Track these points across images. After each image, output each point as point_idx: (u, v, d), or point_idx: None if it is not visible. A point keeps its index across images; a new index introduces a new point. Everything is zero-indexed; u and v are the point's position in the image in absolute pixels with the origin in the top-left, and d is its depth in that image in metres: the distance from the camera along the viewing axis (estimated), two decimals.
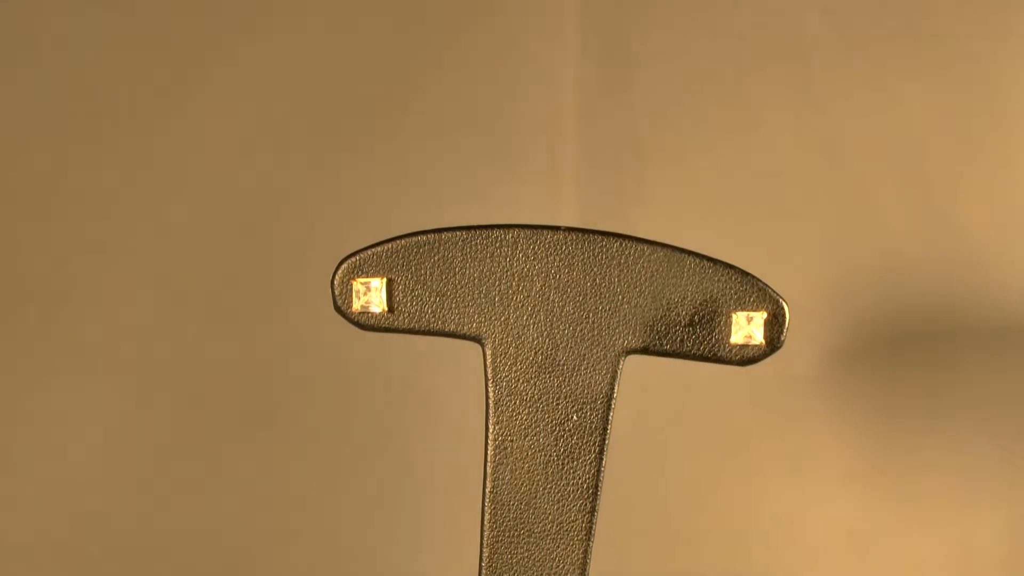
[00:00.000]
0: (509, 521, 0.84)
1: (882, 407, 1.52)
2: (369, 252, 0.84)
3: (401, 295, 0.83)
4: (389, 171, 1.51)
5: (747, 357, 0.86)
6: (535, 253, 0.84)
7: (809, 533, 1.53)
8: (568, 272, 0.84)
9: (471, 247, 0.84)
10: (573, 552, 0.85)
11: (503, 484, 0.84)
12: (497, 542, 0.84)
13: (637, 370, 1.55)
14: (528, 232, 0.84)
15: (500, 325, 0.84)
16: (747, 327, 0.85)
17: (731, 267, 0.85)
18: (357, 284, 0.83)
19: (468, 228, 0.85)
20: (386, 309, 0.83)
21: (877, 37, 1.50)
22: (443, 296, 0.84)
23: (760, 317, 0.85)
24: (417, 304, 0.83)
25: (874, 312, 1.52)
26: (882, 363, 1.51)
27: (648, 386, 1.55)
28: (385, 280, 0.83)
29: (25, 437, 1.47)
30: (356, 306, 0.82)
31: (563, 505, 0.84)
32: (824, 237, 1.52)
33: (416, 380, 1.50)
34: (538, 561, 0.84)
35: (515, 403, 0.84)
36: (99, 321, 1.48)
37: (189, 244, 1.49)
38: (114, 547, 1.49)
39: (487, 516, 0.84)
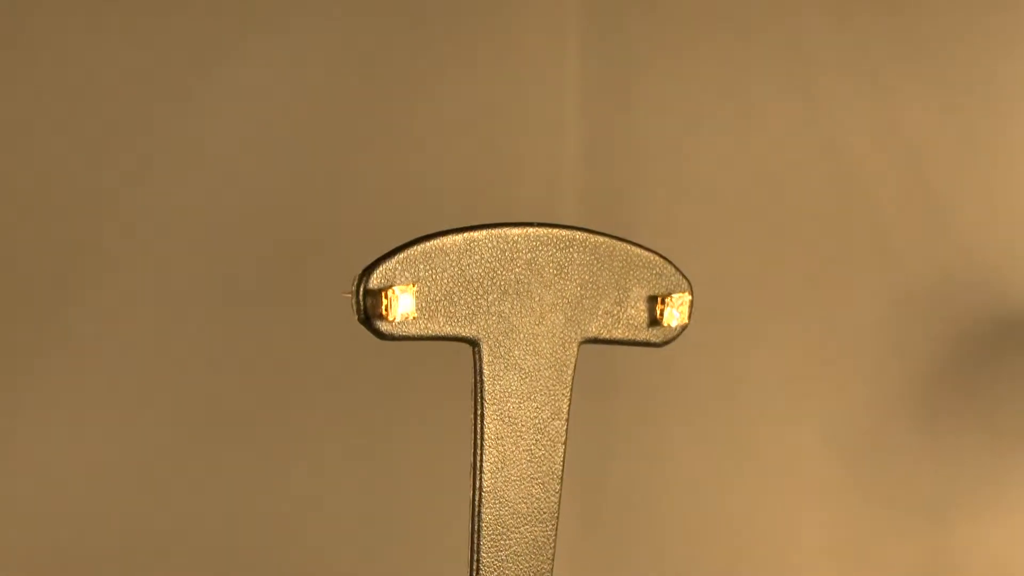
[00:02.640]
0: (500, 517, 0.85)
1: (879, 407, 1.52)
2: (394, 259, 0.83)
3: (419, 301, 0.84)
4: (388, 171, 1.51)
5: (668, 339, 0.91)
6: (517, 250, 0.85)
7: (807, 536, 1.54)
8: (540, 267, 0.86)
9: (470, 248, 0.85)
10: (548, 539, 0.87)
11: (495, 481, 0.85)
12: (489, 539, 0.85)
13: (635, 369, 1.55)
14: (511, 230, 0.85)
15: (492, 325, 0.85)
16: (672, 310, 0.90)
17: (655, 253, 0.89)
18: (391, 293, 0.83)
19: (469, 229, 0.85)
20: (416, 317, 0.83)
21: (877, 37, 1.50)
22: (450, 300, 0.84)
23: (680, 299, 0.90)
24: (430, 309, 0.84)
25: (872, 311, 1.52)
26: (880, 362, 1.51)
27: (647, 384, 1.55)
28: (414, 287, 0.83)
29: (25, 437, 1.47)
30: (391, 315, 0.82)
31: (541, 496, 0.87)
32: (824, 237, 1.52)
33: (406, 379, 1.50)
34: (520, 554, 0.86)
35: (503, 401, 0.85)
36: (100, 322, 1.48)
37: (188, 245, 1.49)
38: (114, 547, 1.49)
39: (481, 514, 0.85)
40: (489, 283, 0.85)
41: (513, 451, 0.86)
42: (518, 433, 0.86)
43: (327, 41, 1.50)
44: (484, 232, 0.85)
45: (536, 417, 0.86)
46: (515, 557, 0.86)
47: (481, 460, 0.85)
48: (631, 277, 0.89)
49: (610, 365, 1.55)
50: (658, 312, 0.89)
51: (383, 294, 0.82)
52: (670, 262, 0.90)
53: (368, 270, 0.82)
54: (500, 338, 0.85)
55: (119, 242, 1.49)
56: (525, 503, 0.86)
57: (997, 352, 1.51)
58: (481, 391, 0.85)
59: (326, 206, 1.51)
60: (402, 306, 0.82)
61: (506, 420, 0.85)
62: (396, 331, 0.83)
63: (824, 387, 1.52)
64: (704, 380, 1.54)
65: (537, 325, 0.86)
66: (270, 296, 1.51)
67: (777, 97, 1.51)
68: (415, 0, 1.51)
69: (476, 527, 0.85)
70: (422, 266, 0.83)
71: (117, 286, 1.48)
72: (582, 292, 0.87)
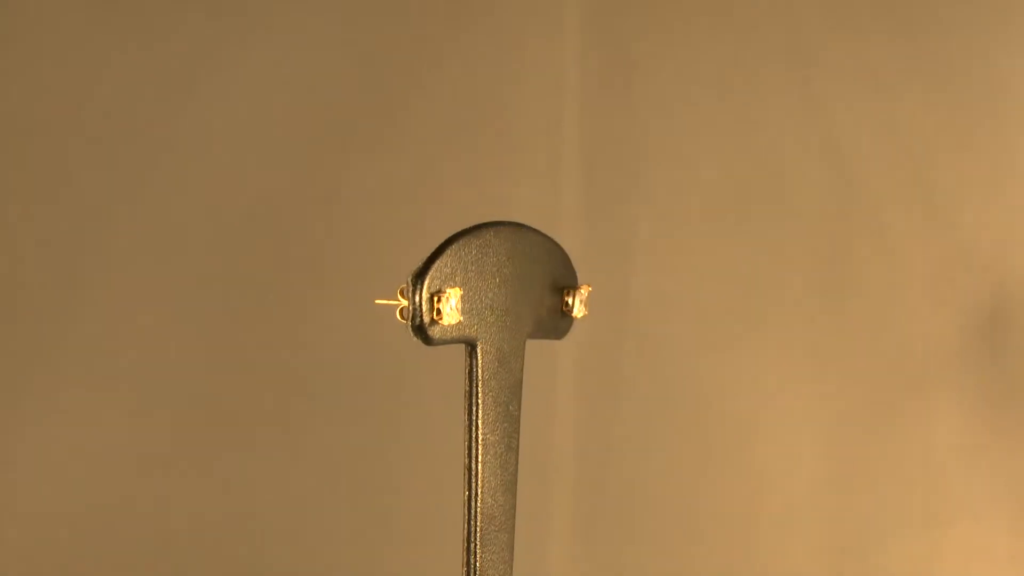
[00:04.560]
0: (487, 515, 0.86)
1: (880, 404, 1.52)
2: (440, 262, 0.83)
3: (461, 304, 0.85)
4: (388, 171, 1.51)
5: (568, 331, 0.91)
6: (500, 249, 0.86)
7: (806, 534, 1.53)
8: (508, 265, 0.86)
9: (472, 247, 0.85)
10: (512, 543, 0.87)
11: (485, 480, 0.85)
12: (481, 537, 0.86)
13: (635, 368, 1.55)
14: (497, 229, 0.86)
15: (485, 324, 0.85)
16: (580, 302, 0.90)
17: (557, 244, 0.90)
18: (444, 296, 0.83)
19: (474, 228, 0.85)
20: (460, 320, 0.84)
21: (877, 37, 1.50)
22: (464, 300, 0.85)
23: (585, 291, 0.90)
24: (461, 311, 0.84)
25: (872, 311, 1.52)
26: (879, 362, 1.51)
27: (647, 384, 1.55)
28: (460, 290, 0.83)
29: (25, 437, 1.47)
30: (445, 319, 0.83)
31: (507, 494, 0.87)
32: (824, 237, 1.52)
33: (404, 380, 1.50)
34: (499, 551, 0.87)
35: (488, 400, 0.86)
36: (101, 322, 1.48)
37: (189, 245, 1.49)
38: (115, 547, 1.50)
39: (477, 515, 0.85)
40: (484, 282, 0.85)
41: (493, 454, 0.86)
42: (497, 435, 0.86)
43: (326, 41, 1.50)
44: (479, 231, 0.86)
45: (506, 417, 0.87)
46: (495, 562, 0.87)
47: (478, 463, 0.85)
48: (549, 270, 0.89)
49: (608, 364, 1.55)
50: (565, 305, 0.89)
51: (434, 298, 0.82)
52: (565, 254, 0.90)
53: (421, 274, 0.82)
54: (489, 338, 0.85)
55: (120, 242, 1.49)
56: (501, 507, 0.87)
57: (997, 351, 1.50)
58: (476, 393, 0.85)
59: (325, 206, 1.51)
60: (452, 309, 0.82)
61: (492, 422, 0.86)
62: (442, 335, 0.83)
63: (823, 386, 1.52)
64: (703, 379, 1.54)
65: (506, 323, 0.86)
66: (270, 296, 1.51)
67: (777, 97, 1.51)
68: (414, 0, 1.52)
69: (472, 528, 0.86)
70: (454, 267, 0.83)
71: (117, 286, 1.49)
72: (527, 287, 0.88)
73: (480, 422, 0.85)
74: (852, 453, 1.52)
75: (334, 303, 1.50)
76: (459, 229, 0.85)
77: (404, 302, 0.82)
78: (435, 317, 0.82)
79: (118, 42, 1.48)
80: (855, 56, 1.50)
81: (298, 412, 1.51)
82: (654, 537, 1.55)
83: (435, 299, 0.82)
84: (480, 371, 0.85)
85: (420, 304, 0.81)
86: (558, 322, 0.90)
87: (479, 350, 0.85)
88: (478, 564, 0.85)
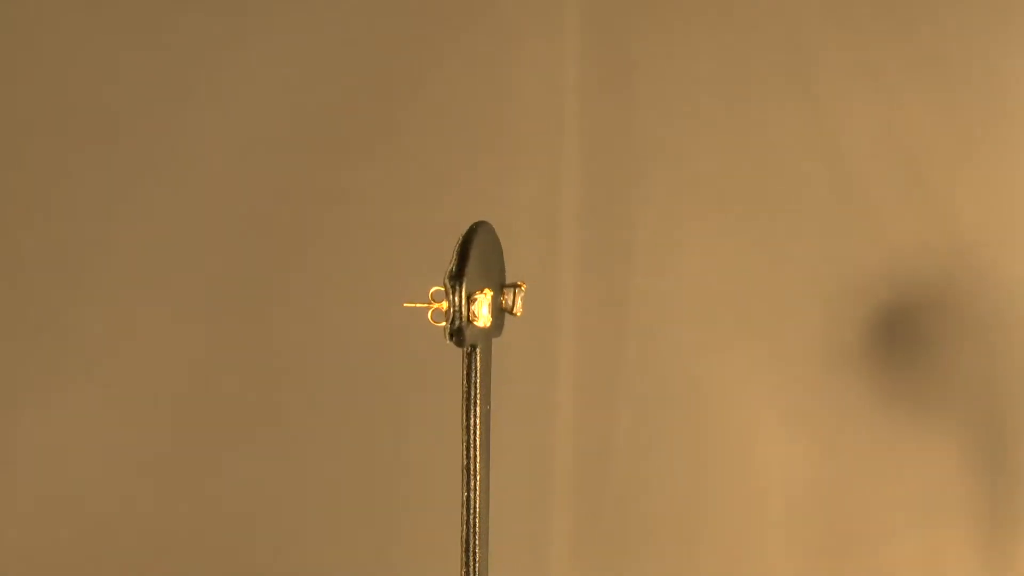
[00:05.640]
0: (481, 513, 0.86)
1: (880, 406, 1.52)
2: (470, 262, 0.84)
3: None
4: (388, 171, 1.51)
5: (502, 326, 0.91)
6: (483, 249, 0.86)
7: (804, 533, 1.53)
8: (486, 265, 0.87)
9: (477, 247, 0.85)
10: (487, 530, 0.88)
11: (481, 479, 0.86)
12: (478, 534, 0.86)
13: (634, 368, 1.55)
14: (485, 228, 0.86)
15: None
16: (519, 299, 0.90)
17: (499, 242, 0.91)
18: (479, 297, 0.83)
19: (479, 227, 0.86)
20: (492, 320, 0.84)
21: (877, 37, 1.50)
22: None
23: (523, 289, 0.91)
24: (489, 313, 0.85)
25: (872, 311, 1.52)
26: (880, 362, 1.51)
27: (646, 383, 1.55)
28: (490, 291, 0.84)
29: (27, 437, 1.47)
30: (480, 320, 0.83)
31: (488, 492, 0.88)
32: (824, 237, 1.52)
33: (403, 380, 1.50)
34: (485, 547, 0.88)
35: (481, 400, 0.86)
36: (101, 322, 1.49)
37: (188, 244, 1.49)
38: (115, 547, 1.49)
39: (474, 510, 0.86)
40: (483, 282, 0.86)
41: (483, 453, 0.87)
42: (484, 434, 0.87)
43: (326, 41, 1.50)
44: (481, 231, 0.86)
45: (485, 416, 0.87)
46: (485, 562, 0.87)
47: (476, 463, 0.85)
48: (499, 268, 0.90)
49: (608, 364, 1.55)
50: (505, 303, 0.89)
51: (479, 297, 0.82)
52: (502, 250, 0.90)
53: (458, 276, 0.82)
54: (484, 338, 0.86)
55: (120, 242, 1.49)
56: (486, 506, 0.87)
57: (997, 352, 1.50)
58: (474, 393, 0.85)
59: (325, 207, 1.51)
60: (486, 311, 0.83)
61: (482, 422, 0.86)
62: (472, 337, 0.83)
63: (823, 386, 1.52)
64: (703, 380, 1.53)
65: (490, 322, 0.87)
66: (269, 295, 1.51)
67: (777, 97, 1.51)
68: (414, 0, 1.52)
69: (471, 527, 0.86)
70: (473, 269, 0.84)
71: (118, 286, 1.49)
72: (492, 286, 0.88)
73: (478, 422, 0.86)
74: (852, 453, 1.52)
75: (332, 302, 1.50)
76: (456, 229, 0.85)
77: (436, 305, 0.82)
78: (471, 319, 0.82)
79: (118, 42, 1.48)
80: (855, 56, 1.50)
81: (297, 412, 1.51)
82: (654, 537, 1.55)
83: (470, 301, 0.82)
84: (479, 372, 0.85)
85: (460, 307, 0.81)
86: (500, 320, 0.90)
87: (479, 351, 0.85)
88: (478, 564, 0.86)
